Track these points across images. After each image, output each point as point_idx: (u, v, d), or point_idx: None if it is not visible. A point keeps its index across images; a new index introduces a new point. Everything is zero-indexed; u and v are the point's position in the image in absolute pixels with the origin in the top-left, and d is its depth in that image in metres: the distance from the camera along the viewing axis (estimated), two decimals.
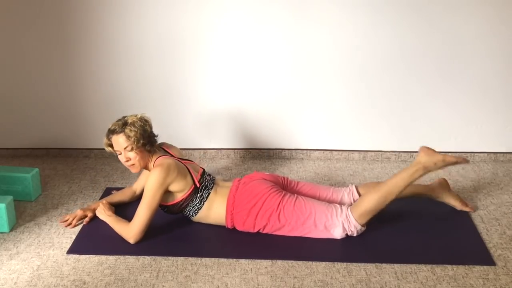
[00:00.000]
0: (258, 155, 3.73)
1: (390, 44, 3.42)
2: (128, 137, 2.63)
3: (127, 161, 2.69)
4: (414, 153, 3.66)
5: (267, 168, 3.55)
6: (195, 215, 2.74)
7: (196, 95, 3.59)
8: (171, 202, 2.70)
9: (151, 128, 2.73)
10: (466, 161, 2.69)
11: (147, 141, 2.68)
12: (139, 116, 2.71)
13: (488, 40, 3.39)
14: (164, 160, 2.68)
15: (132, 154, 2.66)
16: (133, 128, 2.64)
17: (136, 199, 3.04)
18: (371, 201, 2.58)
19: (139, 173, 3.06)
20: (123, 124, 2.66)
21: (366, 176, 3.46)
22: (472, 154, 3.66)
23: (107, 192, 3.17)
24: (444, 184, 2.92)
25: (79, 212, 2.84)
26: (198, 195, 2.71)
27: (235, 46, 3.46)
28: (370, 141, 3.67)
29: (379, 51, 3.44)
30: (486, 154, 3.66)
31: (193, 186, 2.70)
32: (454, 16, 3.35)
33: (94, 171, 3.53)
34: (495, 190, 3.24)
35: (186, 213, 2.76)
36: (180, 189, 2.67)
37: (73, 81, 3.57)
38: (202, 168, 2.83)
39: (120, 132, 2.65)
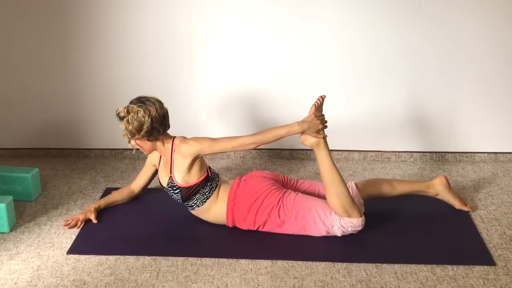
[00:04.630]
0: (258, 155, 3.73)
1: (390, 43, 3.42)
2: (125, 128, 2.64)
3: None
4: (414, 153, 3.67)
5: (267, 168, 3.55)
6: (201, 205, 2.73)
7: (196, 95, 3.59)
8: (186, 184, 2.68)
9: (154, 120, 2.60)
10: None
11: (146, 134, 2.62)
12: (141, 109, 2.59)
13: (489, 39, 3.39)
14: (183, 137, 2.72)
15: (132, 143, 2.69)
16: (128, 122, 2.61)
17: (134, 198, 3.06)
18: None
19: (139, 170, 3.07)
20: (123, 116, 2.63)
21: (366, 176, 3.45)
22: (472, 154, 3.66)
23: (107, 192, 3.17)
24: (444, 182, 2.92)
25: (81, 216, 2.83)
26: (209, 183, 2.71)
27: (234, 46, 3.46)
28: (370, 141, 3.67)
29: (380, 51, 3.44)
30: (486, 154, 3.66)
31: (206, 174, 2.71)
32: (455, 15, 3.35)
33: (94, 171, 3.53)
34: (495, 190, 3.24)
35: (193, 202, 2.73)
36: (198, 169, 2.68)
37: (73, 81, 3.57)
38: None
39: (120, 120, 2.65)
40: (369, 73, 3.49)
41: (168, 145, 2.71)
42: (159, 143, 2.71)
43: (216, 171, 2.85)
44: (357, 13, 3.36)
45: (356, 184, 2.85)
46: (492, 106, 3.54)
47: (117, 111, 2.65)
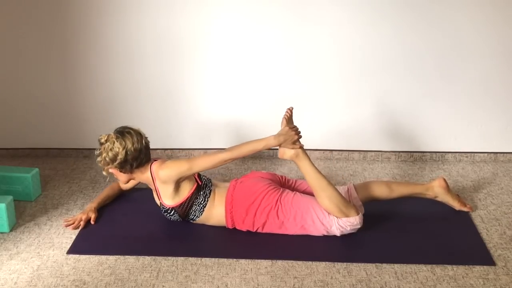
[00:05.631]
0: (258, 156, 3.73)
1: (390, 44, 3.42)
2: (100, 154, 2.62)
3: None
4: (414, 153, 3.67)
5: (267, 168, 3.55)
6: (200, 215, 2.73)
7: (195, 95, 3.59)
8: (178, 202, 2.69)
9: (128, 153, 2.58)
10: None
11: (118, 165, 2.61)
12: (117, 141, 2.57)
13: (488, 39, 3.39)
14: (161, 161, 2.69)
15: (109, 171, 2.67)
16: (104, 149, 2.59)
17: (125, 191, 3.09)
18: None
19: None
20: (102, 143, 2.60)
21: (366, 176, 3.45)
22: (472, 154, 3.66)
23: None
24: (443, 184, 2.92)
25: (83, 216, 2.83)
26: (201, 192, 2.71)
27: (234, 46, 3.46)
28: (370, 141, 3.67)
29: (379, 51, 3.44)
30: (486, 154, 3.66)
31: (196, 184, 2.70)
32: (455, 16, 3.35)
33: (94, 171, 3.52)
34: (495, 190, 3.24)
35: (191, 215, 2.74)
36: (186, 184, 2.67)
37: (72, 82, 3.57)
38: None
39: (100, 146, 2.62)
40: (369, 73, 3.49)
41: (147, 173, 2.68)
42: (136, 174, 2.70)
43: (206, 177, 2.82)
44: (356, 15, 3.36)
45: (354, 186, 2.84)
46: (492, 106, 3.54)
47: (99, 136, 2.64)
